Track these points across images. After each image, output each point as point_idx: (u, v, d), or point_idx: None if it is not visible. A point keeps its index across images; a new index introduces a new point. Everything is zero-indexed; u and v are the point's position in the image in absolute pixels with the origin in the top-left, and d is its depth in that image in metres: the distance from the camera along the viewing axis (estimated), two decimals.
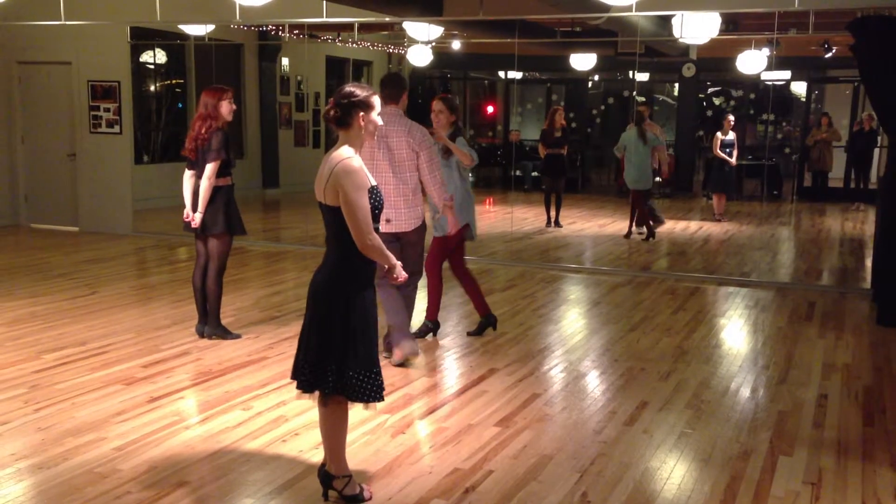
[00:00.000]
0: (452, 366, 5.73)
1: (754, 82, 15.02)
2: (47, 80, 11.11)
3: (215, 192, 5.85)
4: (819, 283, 8.79)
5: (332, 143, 3.61)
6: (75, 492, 3.68)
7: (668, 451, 4.26)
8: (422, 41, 12.06)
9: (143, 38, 11.98)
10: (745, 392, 5.20)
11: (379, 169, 5.36)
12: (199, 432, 4.39)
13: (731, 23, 11.01)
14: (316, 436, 4.08)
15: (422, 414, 4.73)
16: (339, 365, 3.47)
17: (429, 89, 16.97)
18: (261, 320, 6.70)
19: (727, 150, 12.12)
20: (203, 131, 5.78)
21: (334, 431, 3.58)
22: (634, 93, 14.41)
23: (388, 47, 15.89)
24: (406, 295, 5.69)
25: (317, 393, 3.54)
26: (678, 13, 9.38)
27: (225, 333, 6.14)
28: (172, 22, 10.66)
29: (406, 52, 13.98)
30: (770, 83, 14.41)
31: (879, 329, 6.78)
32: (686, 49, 13.55)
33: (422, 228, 5.62)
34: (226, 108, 5.85)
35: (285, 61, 14.70)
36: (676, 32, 10.12)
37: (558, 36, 12.60)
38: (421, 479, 3.86)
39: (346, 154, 3.47)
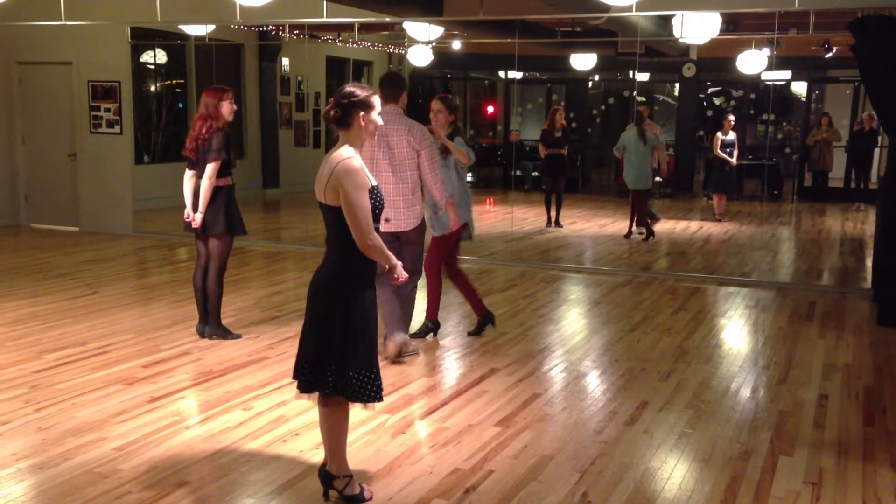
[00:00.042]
0: (453, 366, 5.73)
1: (755, 82, 15.02)
2: (47, 80, 11.12)
3: (216, 192, 5.85)
4: (819, 283, 8.79)
5: (332, 143, 3.61)
6: (76, 492, 3.68)
7: (668, 451, 4.26)
8: (422, 41, 12.06)
9: (144, 38, 11.98)
10: (746, 392, 5.20)
11: (378, 168, 5.36)
12: (200, 432, 4.39)
13: (732, 23, 11.01)
14: (316, 436, 4.08)
15: (422, 414, 4.73)
16: (338, 365, 3.48)
17: (429, 89, 16.96)
18: (261, 320, 6.70)
19: (727, 150, 12.12)
20: (204, 131, 5.78)
21: (335, 432, 3.58)
22: (635, 93, 14.40)
23: (388, 47, 15.89)
24: (406, 295, 5.69)
25: (316, 394, 3.54)
26: (678, 13, 9.38)
27: (225, 333, 6.14)
28: (173, 22, 10.66)
29: (406, 52, 13.99)
30: (770, 83, 14.41)
31: (880, 329, 6.78)
32: (686, 49, 13.55)
33: (421, 228, 5.63)
34: (226, 108, 5.85)
35: (286, 61, 14.71)
36: (677, 32, 10.12)
37: (558, 36, 12.60)
38: (421, 479, 3.86)
39: (346, 154, 3.47)
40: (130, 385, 5.11)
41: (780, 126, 16.80)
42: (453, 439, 4.33)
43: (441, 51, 14.55)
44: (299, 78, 14.85)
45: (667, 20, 10.38)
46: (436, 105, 6.08)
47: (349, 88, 3.53)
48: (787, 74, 15.40)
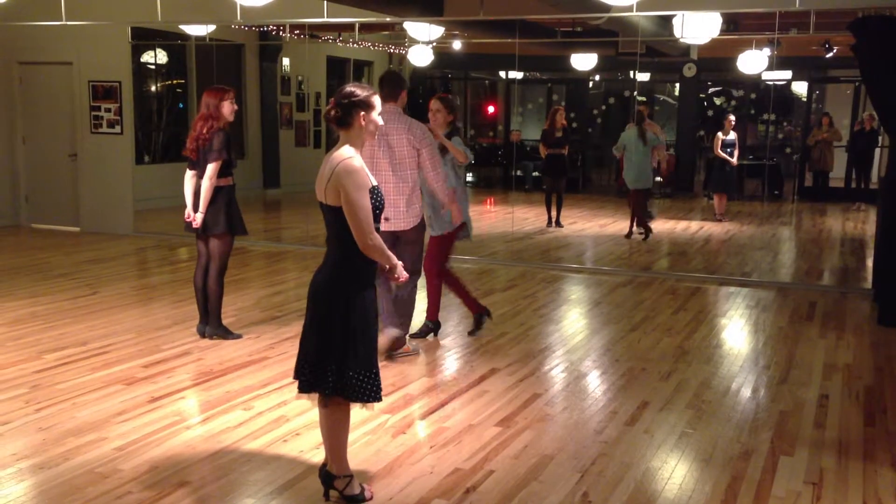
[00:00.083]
0: (453, 366, 5.73)
1: (755, 82, 15.00)
2: (48, 80, 11.13)
3: (216, 192, 5.85)
4: (820, 283, 8.78)
5: (332, 143, 3.61)
6: (76, 492, 3.68)
7: (669, 451, 4.26)
8: (422, 41, 12.06)
9: (144, 38, 11.98)
10: (746, 392, 5.20)
11: (379, 167, 5.36)
12: (200, 432, 4.39)
13: (732, 23, 11.00)
14: (317, 436, 4.08)
15: (422, 414, 4.73)
16: (339, 365, 3.48)
17: (430, 89, 16.96)
18: (262, 320, 6.70)
19: (728, 150, 12.12)
20: (205, 131, 5.78)
21: (335, 432, 3.58)
22: (635, 93, 14.40)
23: (388, 47, 15.89)
24: (406, 295, 5.69)
25: (316, 395, 3.54)
26: (679, 13, 9.37)
27: (226, 333, 6.14)
28: (173, 22, 10.67)
29: (407, 52, 13.98)
30: (771, 83, 14.39)
31: (880, 329, 6.77)
32: (687, 49, 13.54)
33: (420, 227, 5.62)
34: (227, 108, 5.85)
35: (286, 61, 14.71)
36: (677, 32, 10.11)
37: (559, 36, 12.59)
38: (422, 479, 3.86)
39: (347, 154, 3.47)
40: (131, 385, 5.11)
41: (781, 126, 16.79)
42: (454, 439, 4.33)
43: (441, 51, 14.54)
44: (300, 78, 14.85)
45: (667, 20, 10.37)
46: (434, 105, 6.08)
47: (349, 88, 3.53)
48: (787, 74, 15.39)
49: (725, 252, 10.43)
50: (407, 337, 5.87)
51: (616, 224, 12.31)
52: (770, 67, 11.57)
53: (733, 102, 16.42)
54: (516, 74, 16.73)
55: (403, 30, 12.04)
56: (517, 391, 5.11)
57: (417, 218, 5.56)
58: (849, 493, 3.78)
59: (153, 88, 13.30)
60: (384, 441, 4.29)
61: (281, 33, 13.30)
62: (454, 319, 6.77)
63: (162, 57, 13.29)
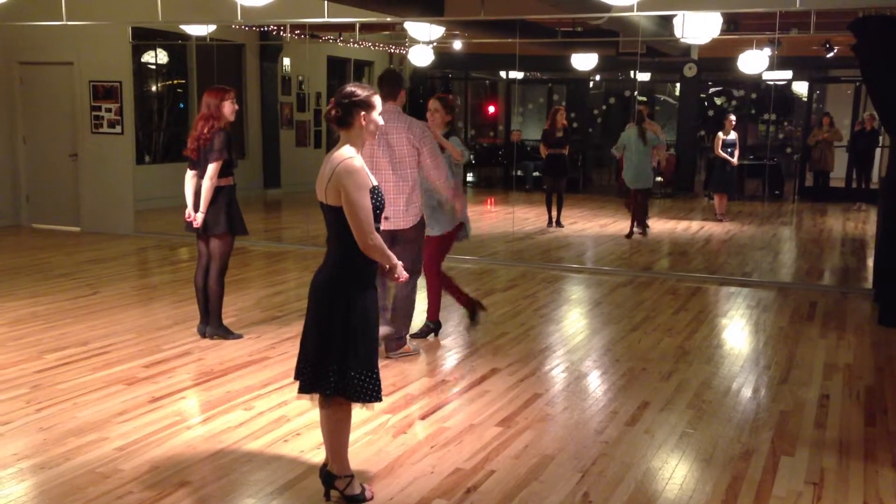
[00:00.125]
0: (454, 366, 5.73)
1: (756, 82, 14.99)
2: (48, 80, 11.13)
3: (217, 192, 5.85)
4: (820, 283, 8.78)
5: (333, 143, 3.61)
6: (77, 492, 3.68)
7: (669, 451, 4.26)
8: (423, 41, 12.06)
9: (145, 38, 11.98)
10: (747, 392, 5.20)
11: (379, 167, 5.35)
12: (201, 432, 4.39)
13: (733, 23, 10.99)
14: (317, 436, 4.09)
15: (423, 414, 4.73)
16: (339, 365, 3.48)
17: (430, 89, 16.95)
18: (262, 320, 6.70)
19: (729, 149, 12.12)
20: (205, 131, 5.78)
21: (336, 432, 3.58)
22: (636, 93, 14.39)
23: (389, 47, 15.89)
24: (406, 295, 5.69)
25: (317, 395, 3.54)
26: (679, 13, 9.37)
27: (226, 333, 6.15)
28: (174, 22, 10.67)
29: (407, 52, 13.98)
30: (771, 83, 14.38)
31: (881, 329, 6.77)
32: (687, 49, 13.53)
33: (420, 226, 5.61)
34: (228, 108, 5.85)
35: (287, 61, 14.71)
36: (678, 32, 10.10)
37: (559, 36, 12.59)
38: (422, 479, 3.86)
39: (347, 154, 3.47)
40: (132, 385, 5.11)
41: (782, 126, 16.78)
42: (454, 439, 4.33)
43: (442, 51, 14.54)
44: (300, 78, 14.85)
45: (668, 20, 10.37)
46: (433, 104, 6.08)
47: (350, 88, 3.53)
48: (788, 74, 15.38)
49: (726, 252, 10.43)
50: (407, 337, 5.87)
51: (616, 224, 12.31)
52: (770, 67, 11.56)
53: (734, 102, 16.42)
54: (517, 74, 16.72)
55: (404, 30, 12.04)
56: (518, 391, 5.11)
57: (417, 217, 5.55)
58: (849, 494, 3.78)
59: (154, 88, 13.30)
60: (385, 441, 4.30)
61: (281, 33, 13.30)
62: (454, 319, 6.77)
63: (162, 57, 13.29)
